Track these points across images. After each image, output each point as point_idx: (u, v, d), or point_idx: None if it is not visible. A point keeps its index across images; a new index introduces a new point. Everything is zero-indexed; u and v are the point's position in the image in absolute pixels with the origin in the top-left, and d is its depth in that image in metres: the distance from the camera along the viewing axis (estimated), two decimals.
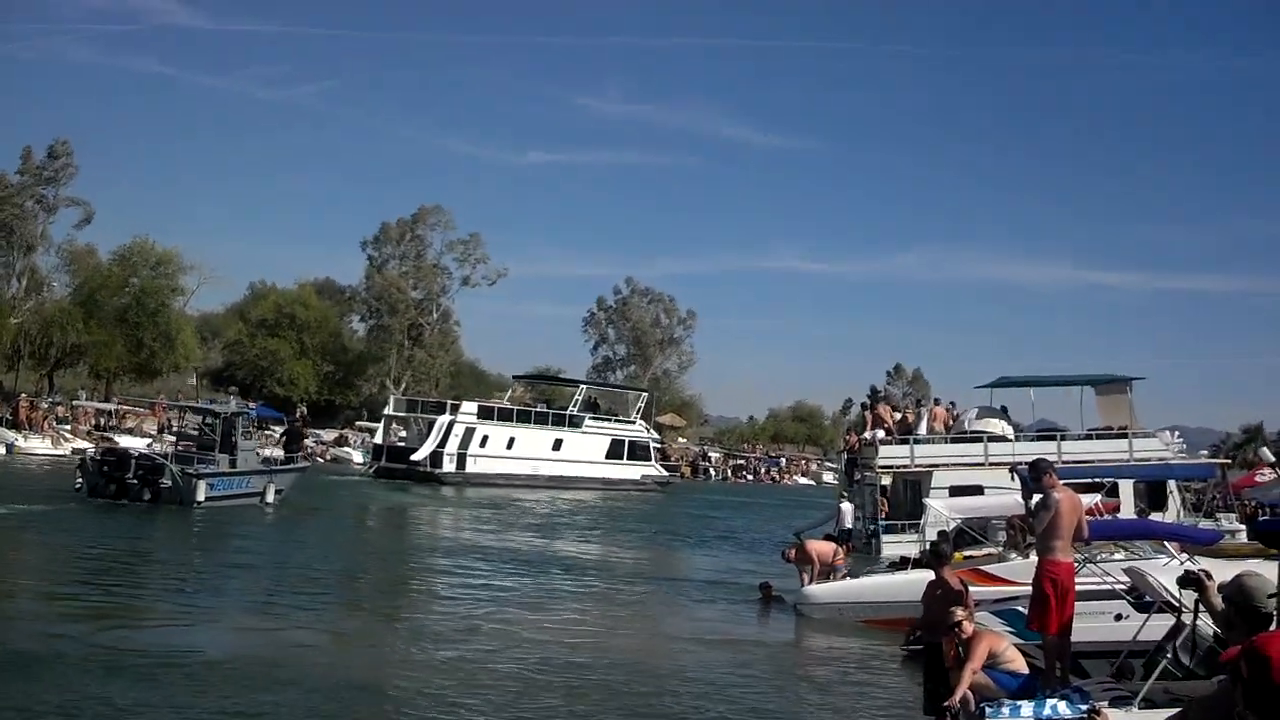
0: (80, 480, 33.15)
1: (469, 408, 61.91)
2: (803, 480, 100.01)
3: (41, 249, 70.69)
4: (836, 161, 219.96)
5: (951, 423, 33.25)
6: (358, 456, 66.88)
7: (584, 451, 64.85)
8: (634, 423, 70.59)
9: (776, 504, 58.21)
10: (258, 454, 37.93)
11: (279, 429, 52.04)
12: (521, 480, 59.14)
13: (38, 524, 26.61)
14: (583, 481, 62.41)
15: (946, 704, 10.08)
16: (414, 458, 57.87)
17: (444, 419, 59.36)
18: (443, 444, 58.46)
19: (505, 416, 63.12)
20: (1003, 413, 32.59)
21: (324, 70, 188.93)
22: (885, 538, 28.80)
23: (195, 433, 36.65)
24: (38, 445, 53.14)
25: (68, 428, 58.43)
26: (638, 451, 68.20)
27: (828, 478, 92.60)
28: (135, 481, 32.46)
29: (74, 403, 64.64)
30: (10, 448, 51.14)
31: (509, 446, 61.36)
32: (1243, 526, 25.96)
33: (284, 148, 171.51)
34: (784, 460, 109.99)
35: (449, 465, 58.20)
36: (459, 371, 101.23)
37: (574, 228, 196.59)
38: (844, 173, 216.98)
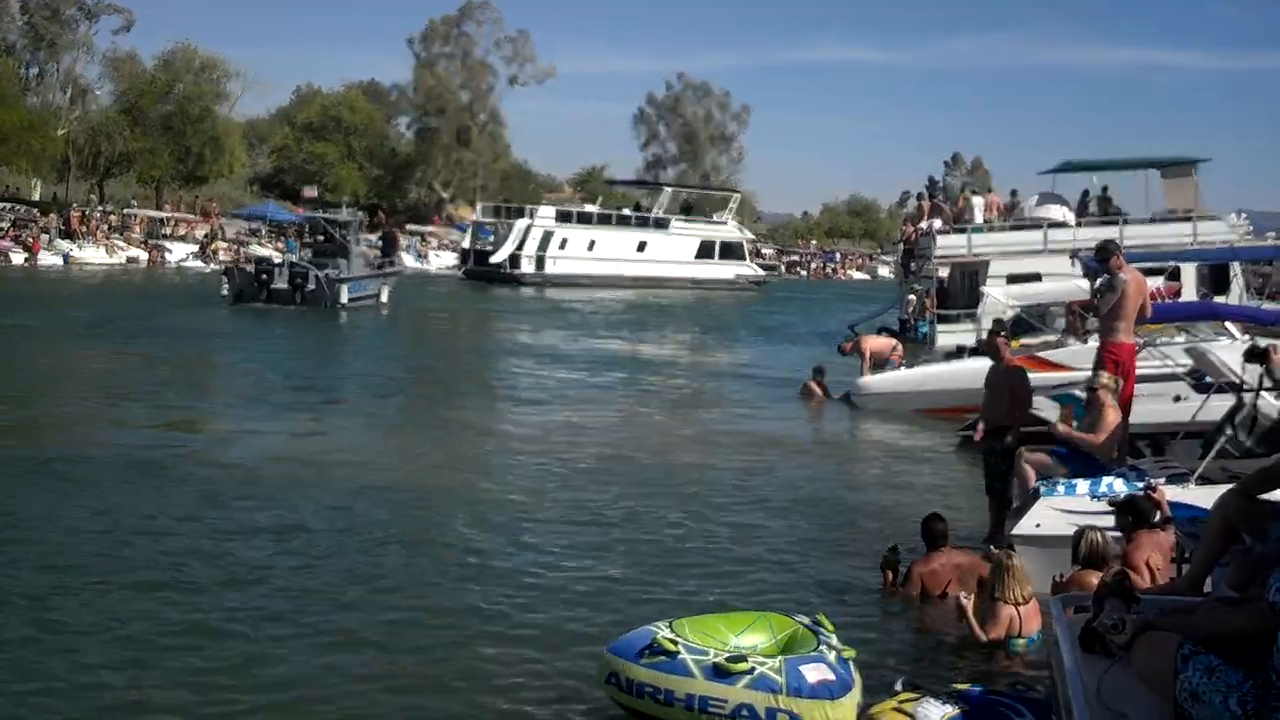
0: (226, 288, 35.98)
1: (546, 211, 64.13)
2: (858, 275, 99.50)
3: (85, 56, 70.28)
4: None
5: (1010, 210, 32.69)
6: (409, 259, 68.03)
7: (671, 252, 65.96)
8: (726, 223, 71.20)
9: (835, 298, 58.24)
10: (366, 259, 40.70)
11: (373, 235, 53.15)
12: (604, 281, 60.44)
13: (203, 331, 28.76)
14: (670, 282, 63.47)
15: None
16: (492, 260, 60.35)
17: (521, 223, 61.51)
18: (520, 247, 60.50)
19: (585, 220, 64.87)
20: (1062, 200, 31.94)
21: None
22: (940, 327, 28.64)
23: (314, 240, 40.12)
24: (92, 255, 54.11)
25: (120, 238, 59.04)
26: (730, 251, 68.89)
27: (883, 272, 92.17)
28: (285, 287, 35.47)
29: (125, 211, 65.14)
30: (66, 258, 52.03)
31: (590, 249, 62.98)
32: None
33: None
34: (839, 255, 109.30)
35: (527, 267, 60.43)
36: (508, 174, 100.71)
37: (620, 21, 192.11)
38: None
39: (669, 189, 75.25)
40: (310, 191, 55.93)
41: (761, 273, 73.14)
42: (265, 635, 7.68)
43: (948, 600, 8.77)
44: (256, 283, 36.08)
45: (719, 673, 6.06)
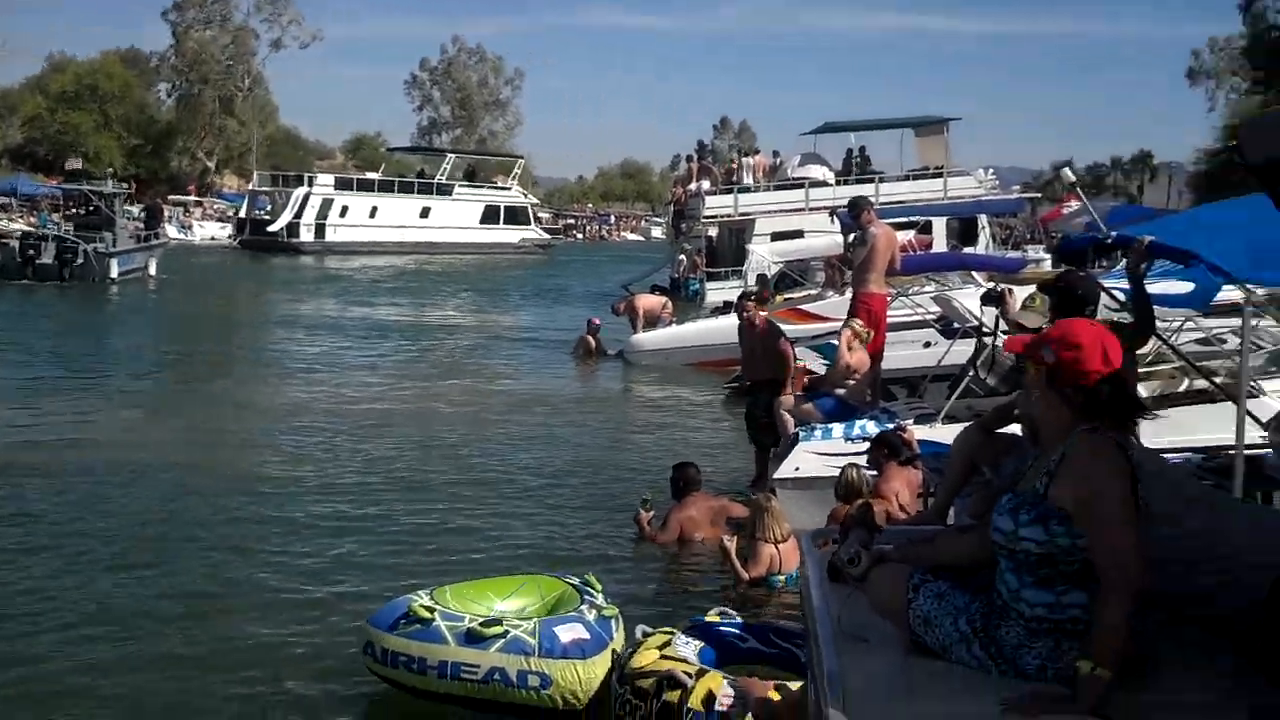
0: None
1: (325, 179, 63.22)
2: (632, 236, 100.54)
3: None
4: None
5: (773, 170, 33.58)
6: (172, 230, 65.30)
7: (455, 218, 65.34)
8: (510, 189, 70.56)
9: (610, 259, 58.74)
10: (130, 231, 39.04)
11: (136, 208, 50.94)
12: (387, 248, 59.55)
13: None
14: (455, 247, 62.69)
15: None
16: (270, 229, 58.85)
17: (300, 190, 60.29)
18: (299, 215, 59.34)
19: (366, 187, 63.88)
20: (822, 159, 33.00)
21: None
22: (710, 285, 29.26)
23: (77, 213, 38.57)
24: None
25: None
26: (515, 216, 68.68)
27: (656, 233, 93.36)
28: (51, 262, 33.49)
29: None
30: None
31: (372, 215, 62.22)
32: (1048, 256, 27.09)
33: None
34: (613, 218, 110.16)
35: (306, 235, 59.34)
36: (275, 140, 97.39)
37: None
38: None
39: (451, 155, 74.01)
40: (74, 163, 53.27)
41: (546, 236, 73.33)
42: (13, 631, 7.26)
43: (705, 544, 9.08)
44: (20, 258, 33.93)
45: (472, 638, 6.01)
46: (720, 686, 5.43)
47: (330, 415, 14.99)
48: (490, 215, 67.44)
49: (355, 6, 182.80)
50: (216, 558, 8.81)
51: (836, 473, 8.77)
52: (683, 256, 33.83)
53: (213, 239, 66.05)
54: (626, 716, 5.61)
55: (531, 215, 71.55)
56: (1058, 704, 2.91)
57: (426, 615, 6.12)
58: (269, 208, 62.54)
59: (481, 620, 6.11)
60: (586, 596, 6.51)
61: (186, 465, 11.79)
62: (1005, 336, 11.01)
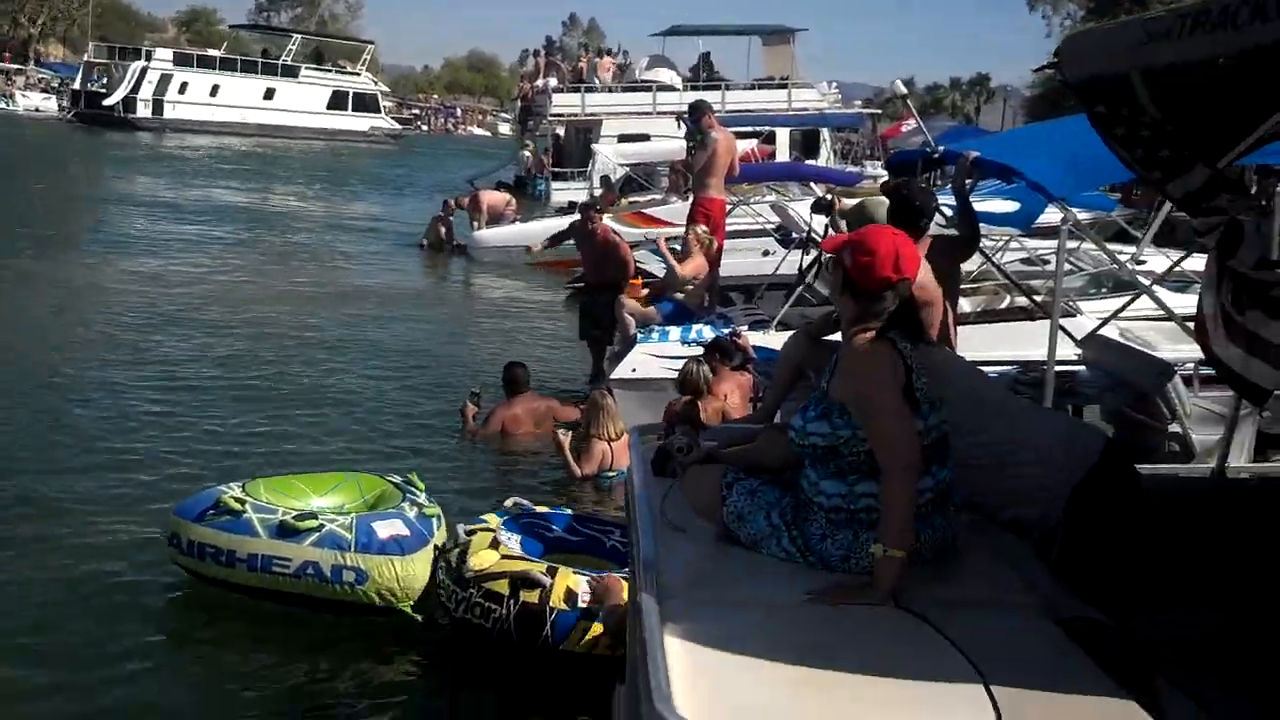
0: None
1: (164, 54, 60.63)
2: (478, 131, 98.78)
3: None
4: None
5: (621, 71, 33.39)
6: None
7: (300, 102, 63.02)
8: (360, 74, 67.98)
9: (457, 153, 57.74)
10: None
11: None
12: (228, 129, 57.44)
13: None
14: (299, 131, 60.59)
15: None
16: (106, 103, 56.60)
17: (137, 65, 57.85)
18: (135, 90, 57.11)
19: (207, 64, 61.32)
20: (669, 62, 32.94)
21: None
22: (555, 184, 29.09)
23: None
24: None
25: None
26: (365, 103, 66.31)
27: (504, 129, 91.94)
28: None
29: None
30: None
31: (213, 94, 59.81)
32: (885, 172, 27.67)
33: None
34: (459, 111, 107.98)
35: (144, 111, 57.18)
36: (104, 9, 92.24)
37: None
38: None
39: (298, 36, 71.33)
40: None
41: (397, 126, 71.17)
42: None
43: (527, 440, 9.27)
44: None
45: (284, 531, 5.83)
46: (578, 584, 5.47)
47: (152, 303, 14.50)
48: (338, 101, 65.18)
49: None
50: (16, 450, 8.42)
51: (673, 375, 8.91)
52: (528, 153, 33.50)
53: (37, 110, 62.85)
54: (479, 618, 5.56)
55: (381, 103, 69.27)
56: (859, 593, 3.07)
57: (237, 507, 5.93)
58: (105, 81, 59.85)
59: (295, 514, 5.94)
60: (408, 495, 6.39)
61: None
62: None
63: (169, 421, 9.38)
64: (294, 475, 6.79)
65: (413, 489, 6.49)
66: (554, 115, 31.54)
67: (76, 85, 61.24)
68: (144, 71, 57.91)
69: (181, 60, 61.13)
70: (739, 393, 8.52)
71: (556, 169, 30.28)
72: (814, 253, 11.51)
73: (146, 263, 17.92)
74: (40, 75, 76.53)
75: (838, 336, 5.88)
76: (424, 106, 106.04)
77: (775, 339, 9.31)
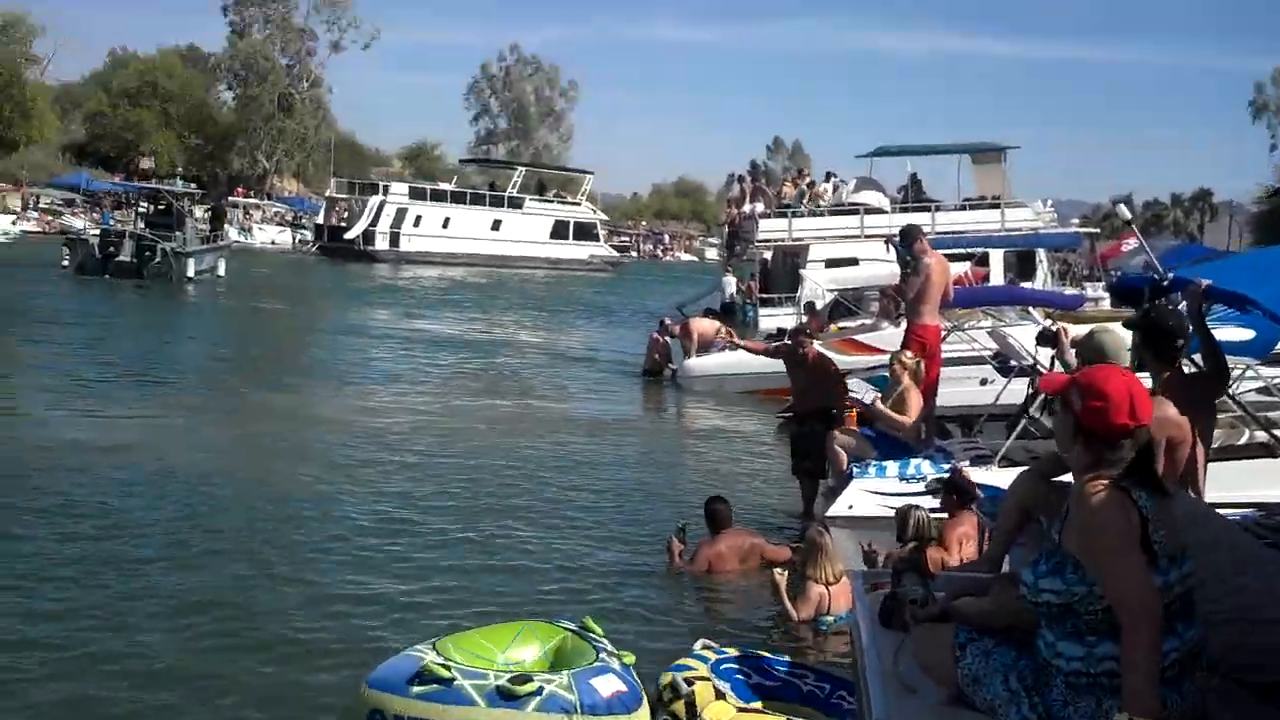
0: (68, 259, 35.19)
1: (400, 188, 64.98)
2: (685, 256, 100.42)
3: None
4: None
5: (829, 196, 33.42)
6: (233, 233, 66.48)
7: (525, 232, 66.43)
8: (580, 204, 71.60)
9: (666, 279, 58.78)
10: (199, 233, 40.37)
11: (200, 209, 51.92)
12: (458, 259, 61.12)
13: (43, 300, 27.98)
14: (525, 261, 63.87)
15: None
16: (347, 236, 60.82)
17: (375, 199, 61.98)
18: (375, 223, 61.01)
19: (440, 197, 65.53)
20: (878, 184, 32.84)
21: None
22: (763, 310, 29.16)
23: (149, 211, 39.18)
24: None
25: None
26: (584, 232, 69.46)
27: (711, 253, 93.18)
28: (130, 259, 34.39)
29: None
30: None
31: (444, 226, 63.67)
32: (1107, 294, 26.81)
33: None
34: (667, 237, 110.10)
35: (382, 244, 61.06)
36: (335, 145, 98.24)
37: None
38: None
39: (522, 168, 75.12)
40: (147, 162, 54.93)
41: (615, 254, 74.23)
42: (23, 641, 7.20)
43: (735, 578, 9.02)
44: (100, 255, 34.94)
45: (504, 696, 5.34)
46: None
47: (372, 431, 14.89)
48: (560, 230, 68.25)
49: (411, 13, 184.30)
50: (230, 572, 8.70)
51: (890, 512, 8.69)
52: (732, 279, 33.73)
53: (273, 243, 67.01)
54: None
55: (599, 232, 72.27)
56: None
57: (445, 673, 5.43)
58: (346, 215, 64.23)
59: (510, 676, 5.49)
60: (594, 643, 5.96)
61: (223, 474, 11.86)
62: None
63: (371, 555, 9.41)
64: (474, 630, 6.31)
65: (594, 635, 6.08)
66: (761, 240, 31.73)
67: (319, 220, 65.81)
68: (382, 205, 61.72)
69: (416, 194, 65.03)
70: (973, 540, 8.14)
71: (764, 294, 30.37)
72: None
73: (371, 393, 18.54)
74: (276, 209, 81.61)
75: (1069, 477, 5.65)
76: (633, 233, 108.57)
77: (999, 476, 9.02)
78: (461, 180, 75.61)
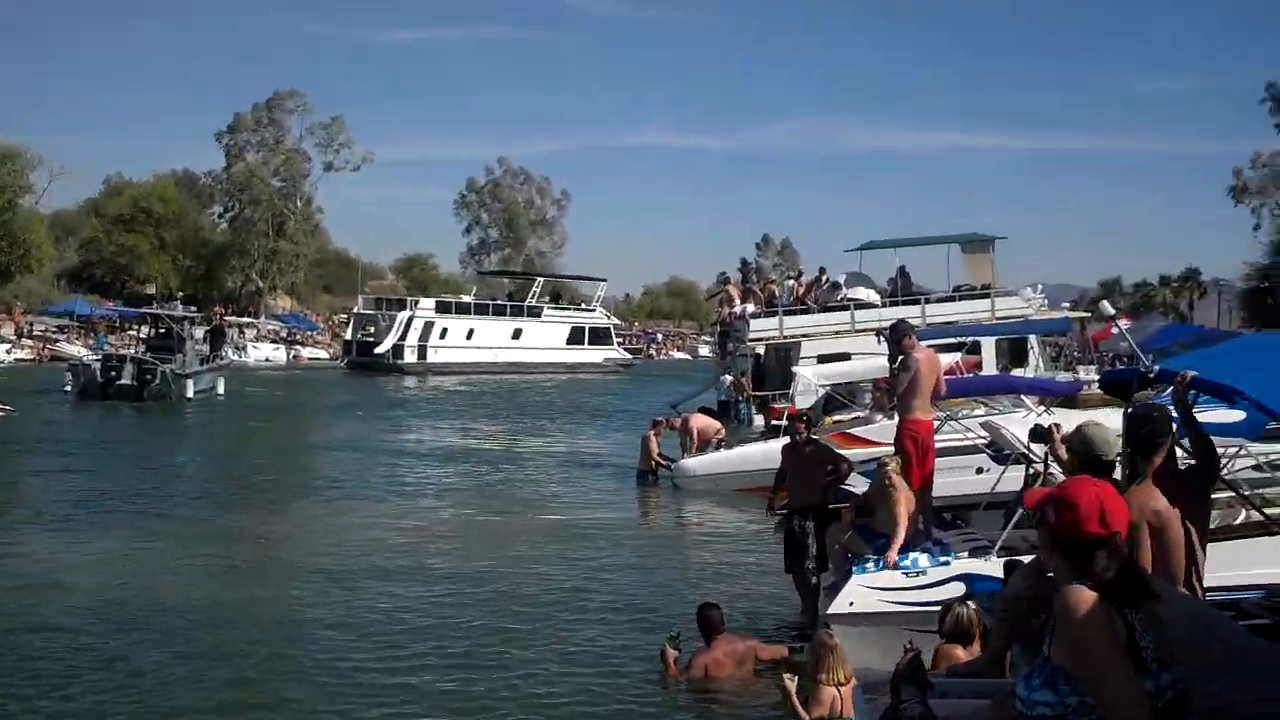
0: (70, 384, 36.10)
1: (427, 303, 68.09)
2: (679, 355, 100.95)
3: None
4: (699, 32, 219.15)
5: (814, 284, 33.62)
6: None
7: (544, 339, 70.06)
8: (594, 310, 75.47)
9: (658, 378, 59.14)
10: (197, 352, 41.44)
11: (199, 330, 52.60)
12: (482, 368, 63.76)
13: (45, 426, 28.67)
14: (544, 367, 67.03)
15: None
16: (377, 351, 63.09)
17: (404, 315, 64.68)
18: (403, 337, 63.49)
19: (464, 310, 68.62)
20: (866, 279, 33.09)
21: None
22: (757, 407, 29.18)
23: (150, 335, 41.10)
24: None
25: None
26: (599, 336, 73.26)
27: (704, 351, 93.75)
28: (130, 383, 35.21)
29: None
30: None
31: (469, 337, 66.60)
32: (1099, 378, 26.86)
33: (130, 36, 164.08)
34: (660, 336, 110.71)
35: (410, 357, 63.50)
36: (326, 261, 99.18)
37: (439, 108, 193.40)
38: (709, 45, 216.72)
39: (540, 279, 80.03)
40: (148, 288, 56.27)
41: (628, 356, 77.73)
42: None
43: (733, 682, 8.92)
44: (102, 379, 35.72)
45: None
46: None
47: (374, 549, 14.72)
48: (576, 336, 71.62)
49: (402, 128, 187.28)
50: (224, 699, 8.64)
51: (892, 608, 8.60)
52: (727, 377, 33.82)
53: (267, 360, 67.49)
54: None
55: (613, 335, 75.52)
56: None
57: None
58: (373, 330, 65.97)
59: None
60: None
61: (232, 600, 11.75)
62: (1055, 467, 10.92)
63: (370, 677, 9.28)
64: None
65: None
66: (752, 339, 31.88)
67: (348, 335, 68.21)
68: (410, 320, 63.97)
69: (442, 308, 67.77)
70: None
71: (757, 392, 30.41)
72: (1033, 469, 11.17)
73: (371, 507, 18.34)
74: (270, 327, 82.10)
75: None
76: (626, 333, 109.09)
77: (997, 566, 8.95)
78: (455, 289, 76.78)
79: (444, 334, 65.43)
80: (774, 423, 23.96)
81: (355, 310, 71.23)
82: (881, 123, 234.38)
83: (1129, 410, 6.28)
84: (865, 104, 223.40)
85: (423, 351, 64.16)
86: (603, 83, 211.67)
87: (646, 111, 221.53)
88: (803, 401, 21.87)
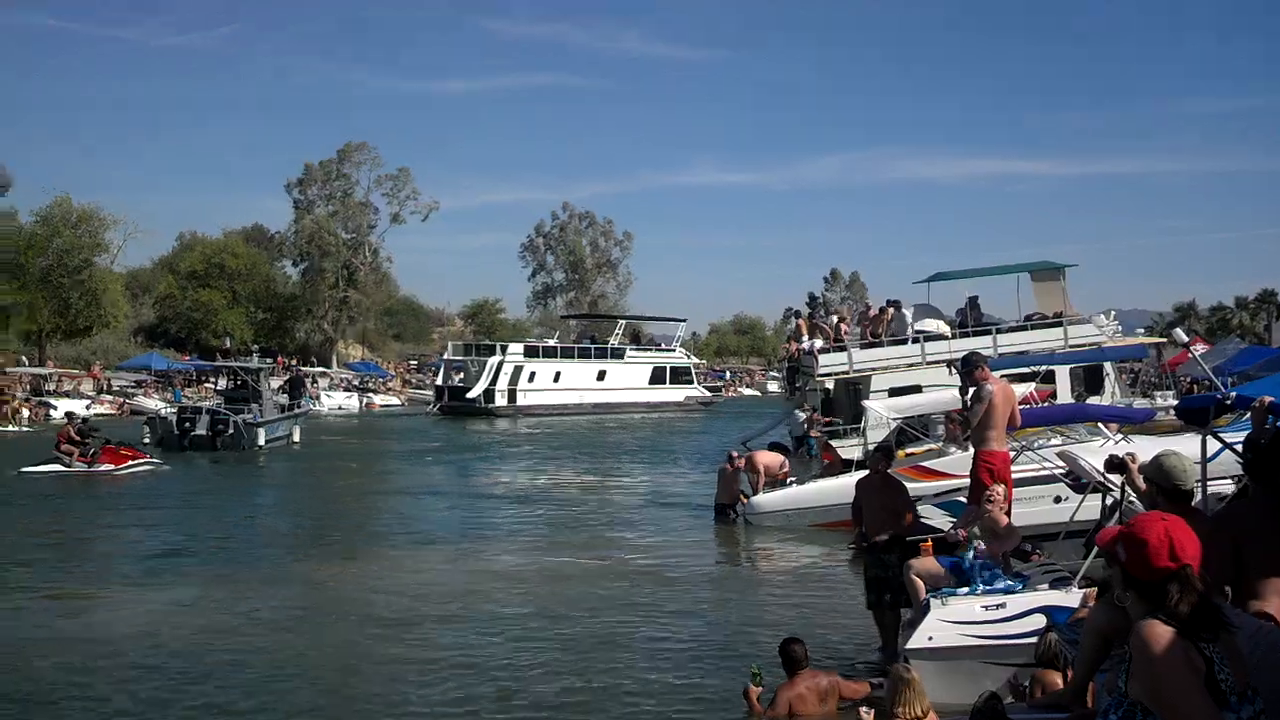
0: (148, 436, 37.59)
1: (515, 348, 69.54)
2: (748, 392, 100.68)
3: None
4: (743, 72, 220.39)
5: (879, 317, 33.38)
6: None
7: (627, 379, 72.35)
8: (675, 350, 78.02)
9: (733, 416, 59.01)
10: (275, 402, 43.06)
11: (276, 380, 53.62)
12: (570, 409, 65.98)
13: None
14: (628, 407, 69.09)
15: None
16: (469, 395, 64.66)
17: (494, 359, 66.60)
18: (494, 382, 65.45)
19: (550, 354, 70.67)
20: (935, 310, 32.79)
21: (220, 16, 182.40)
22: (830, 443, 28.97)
23: (226, 386, 43.05)
24: None
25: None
26: (679, 375, 75.48)
27: (772, 388, 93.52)
28: (205, 433, 36.96)
29: (6, 370, 63.08)
30: None
31: (556, 380, 68.71)
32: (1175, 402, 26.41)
33: (199, 95, 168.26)
34: (728, 374, 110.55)
35: (501, 400, 65.56)
36: (395, 309, 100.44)
37: (500, 155, 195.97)
38: (753, 83, 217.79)
39: (623, 321, 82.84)
40: (225, 343, 58.12)
41: (708, 394, 78.75)
42: None
43: (823, 718, 8.87)
44: (178, 430, 37.29)
45: None
46: None
47: (449, 592, 14.87)
48: (658, 376, 73.88)
49: (468, 179, 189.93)
50: None
51: (971, 643, 8.49)
52: (800, 413, 33.68)
53: (340, 408, 68.38)
54: None
55: (694, 374, 77.50)
56: None
57: None
58: (463, 376, 67.31)
59: None
60: None
61: (303, 646, 11.92)
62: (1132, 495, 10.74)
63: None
64: None
65: None
66: (821, 374, 31.70)
67: (439, 381, 69.81)
68: (500, 365, 65.80)
69: (530, 352, 69.30)
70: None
71: (828, 428, 30.23)
72: (1111, 498, 10.99)
73: (449, 550, 18.50)
74: (343, 376, 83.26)
75: None
76: (704, 371, 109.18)
77: (1078, 597, 8.82)
78: (521, 333, 78.13)
79: (532, 377, 67.38)
80: (826, 463, 24.00)
81: (445, 356, 72.89)
82: (930, 151, 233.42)
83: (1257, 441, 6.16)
84: (912, 133, 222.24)
85: (513, 395, 66.04)
86: (648, 125, 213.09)
87: (695, 150, 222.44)
88: (874, 436, 21.70)
